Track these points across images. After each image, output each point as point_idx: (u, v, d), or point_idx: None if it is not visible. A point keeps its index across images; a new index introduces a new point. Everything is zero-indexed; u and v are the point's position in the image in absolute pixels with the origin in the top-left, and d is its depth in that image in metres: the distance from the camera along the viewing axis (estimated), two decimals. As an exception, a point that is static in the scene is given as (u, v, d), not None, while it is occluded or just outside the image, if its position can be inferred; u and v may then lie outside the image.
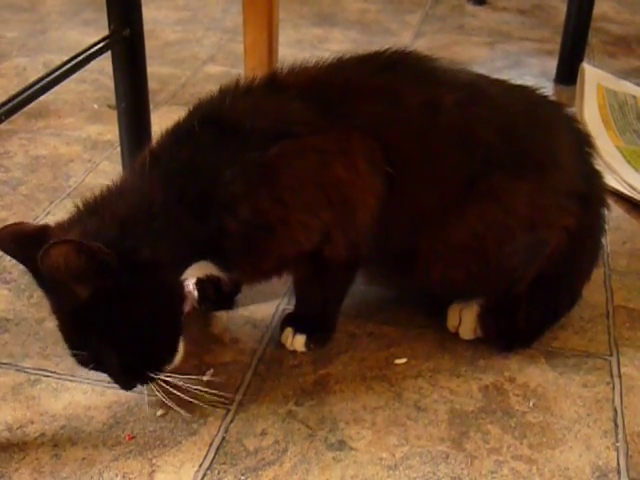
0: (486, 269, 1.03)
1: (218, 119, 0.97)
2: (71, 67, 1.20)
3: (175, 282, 0.94)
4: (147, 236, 0.90)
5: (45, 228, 0.94)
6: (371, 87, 1.01)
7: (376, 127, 0.98)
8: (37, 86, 1.11)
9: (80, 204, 0.94)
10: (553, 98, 1.13)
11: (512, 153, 1.00)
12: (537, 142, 1.02)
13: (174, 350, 0.94)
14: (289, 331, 1.08)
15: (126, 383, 0.93)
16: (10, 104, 1.07)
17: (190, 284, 1.13)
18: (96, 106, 1.74)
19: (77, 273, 0.84)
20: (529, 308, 1.07)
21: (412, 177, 1.00)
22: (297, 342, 1.07)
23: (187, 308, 1.13)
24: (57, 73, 1.16)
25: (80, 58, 1.22)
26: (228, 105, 0.98)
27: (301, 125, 0.97)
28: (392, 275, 1.12)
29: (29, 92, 1.10)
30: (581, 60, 1.83)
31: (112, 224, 0.89)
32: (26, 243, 0.90)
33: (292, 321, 1.09)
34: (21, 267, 1.18)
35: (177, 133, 0.98)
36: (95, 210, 0.92)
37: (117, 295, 0.87)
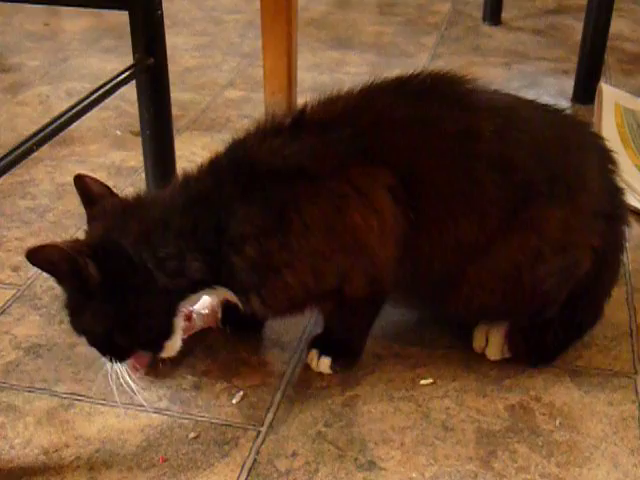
0: (522, 294, 1.04)
1: (241, 158, 0.99)
2: (98, 97, 1.22)
3: (169, 303, 1.00)
4: (151, 256, 0.96)
5: (107, 196, 1.04)
6: (403, 118, 1.00)
7: (408, 160, 0.98)
8: (66, 116, 1.14)
9: (131, 198, 1.03)
10: (578, 118, 1.14)
11: (547, 178, 1.00)
12: (568, 165, 1.03)
13: (158, 346, 1.02)
14: (314, 353, 1.09)
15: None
16: (40, 134, 1.09)
17: (212, 302, 1.15)
18: (119, 132, 1.77)
19: (60, 274, 0.97)
20: (556, 327, 1.08)
21: (450, 208, 0.99)
22: (322, 364, 1.08)
23: (210, 325, 1.16)
24: (85, 103, 1.19)
25: (107, 87, 1.24)
26: (253, 145, 1.00)
27: (319, 164, 0.97)
28: (426, 302, 1.13)
29: (58, 122, 1.12)
30: (598, 79, 1.85)
31: (127, 235, 0.96)
32: (90, 198, 1.04)
33: (318, 343, 1.10)
34: (51, 293, 1.22)
35: (210, 165, 1.02)
36: (123, 213, 1.00)
37: (98, 296, 0.96)
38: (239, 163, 0.99)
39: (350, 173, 0.97)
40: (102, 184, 1.05)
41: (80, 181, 1.04)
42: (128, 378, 1.01)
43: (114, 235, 0.97)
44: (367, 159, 0.98)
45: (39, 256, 0.93)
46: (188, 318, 1.13)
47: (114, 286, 0.96)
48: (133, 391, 1.01)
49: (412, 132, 1.00)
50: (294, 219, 0.95)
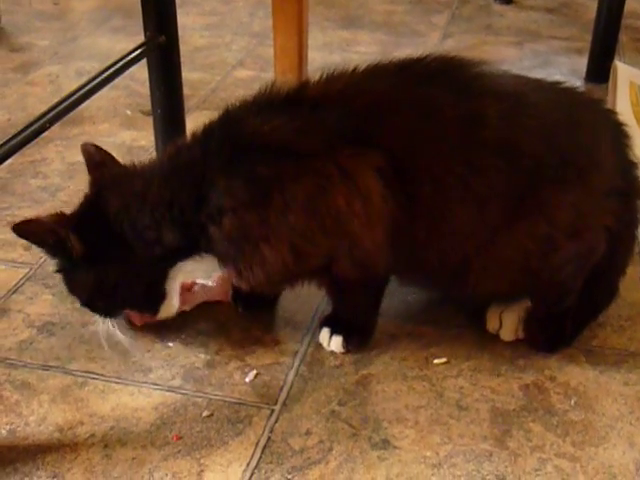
0: (534, 282, 1.03)
1: (229, 130, 0.99)
2: (110, 74, 1.22)
3: (154, 270, 1.02)
4: (130, 228, 0.99)
5: (107, 163, 1.06)
6: (403, 101, 0.98)
7: (402, 144, 0.96)
8: (78, 94, 1.14)
9: (123, 167, 1.06)
10: (589, 95, 1.12)
11: (557, 162, 0.98)
12: (579, 147, 1.00)
13: (151, 308, 1.06)
14: (326, 332, 1.09)
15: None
16: (53, 112, 1.09)
17: (221, 276, 1.14)
18: (129, 112, 1.76)
19: (43, 247, 1.02)
20: (573, 311, 1.08)
21: (448, 196, 0.97)
22: (334, 343, 1.08)
23: (220, 298, 1.16)
24: (97, 81, 1.19)
25: (118, 65, 1.24)
26: (244, 116, 0.99)
27: (307, 141, 0.95)
28: (431, 286, 1.13)
29: (71, 99, 1.12)
30: (612, 58, 1.83)
31: (109, 207, 1.00)
32: (92, 164, 1.06)
33: (329, 322, 1.10)
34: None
35: (201, 135, 1.01)
36: (112, 184, 1.03)
37: (83, 265, 1.01)
38: (228, 134, 0.98)
39: (337, 153, 0.95)
40: (105, 152, 1.08)
41: (85, 149, 1.07)
42: (119, 333, 1.06)
43: (99, 206, 1.01)
44: (358, 140, 0.96)
45: (24, 230, 0.99)
46: (189, 289, 1.13)
47: (97, 256, 1.00)
48: (125, 344, 1.06)
49: (410, 116, 0.98)
50: (275, 195, 0.94)
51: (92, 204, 1.02)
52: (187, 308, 1.13)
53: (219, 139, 0.98)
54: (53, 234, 0.99)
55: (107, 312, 1.06)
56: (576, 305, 1.07)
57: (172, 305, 1.07)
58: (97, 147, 1.08)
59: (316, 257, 0.99)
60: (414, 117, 0.98)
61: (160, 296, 1.05)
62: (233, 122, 1.00)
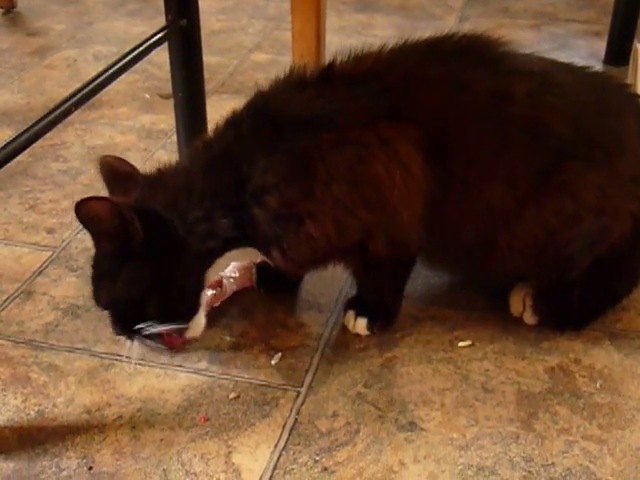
0: (553, 257, 1.03)
1: (263, 109, 0.98)
2: (132, 58, 1.22)
3: (198, 270, 0.98)
4: (182, 223, 0.95)
5: (133, 175, 1.02)
6: (434, 76, 0.99)
7: (436, 119, 0.97)
8: (103, 77, 1.14)
9: (155, 170, 1.01)
10: (616, 79, 1.11)
11: (583, 143, 0.98)
12: (606, 130, 1.01)
13: (186, 319, 0.99)
14: (351, 314, 1.09)
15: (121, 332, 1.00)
16: (77, 96, 1.09)
17: (242, 264, 1.15)
18: (147, 96, 1.76)
19: (105, 230, 0.93)
20: (585, 291, 1.07)
21: (479, 170, 0.98)
22: (359, 325, 1.08)
23: (245, 285, 1.16)
24: (121, 64, 1.19)
25: (140, 49, 1.24)
26: (278, 98, 0.99)
27: (345, 115, 0.95)
28: (456, 266, 1.13)
29: (95, 83, 1.12)
30: (631, 40, 1.81)
31: (160, 200, 0.96)
32: (115, 178, 1.01)
33: (354, 304, 1.10)
34: (87, 254, 1.22)
35: (230, 122, 1.00)
36: (156, 182, 0.99)
37: (138, 258, 0.95)
38: (262, 116, 0.98)
39: (377, 125, 0.95)
40: (128, 163, 1.04)
41: (104, 162, 1.03)
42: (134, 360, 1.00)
43: (145, 205, 0.96)
44: (395, 115, 0.96)
45: (87, 209, 0.91)
46: (219, 284, 1.13)
47: (155, 246, 0.95)
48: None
49: (442, 91, 0.98)
50: (318, 167, 0.94)
51: (139, 199, 0.97)
52: (217, 304, 1.13)
53: (252, 120, 0.98)
54: (119, 215, 0.91)
55: (140, 321, 0.97)
56: (591, 287, 1.07)
57: (201, 320, 1.01)
58: (118, 158, 1.04)
59: (356, 231, 0.99)
60: (445, 92, 0.98)
61: (195, 306, 1.00)
62: (266, 102, 0.99)
